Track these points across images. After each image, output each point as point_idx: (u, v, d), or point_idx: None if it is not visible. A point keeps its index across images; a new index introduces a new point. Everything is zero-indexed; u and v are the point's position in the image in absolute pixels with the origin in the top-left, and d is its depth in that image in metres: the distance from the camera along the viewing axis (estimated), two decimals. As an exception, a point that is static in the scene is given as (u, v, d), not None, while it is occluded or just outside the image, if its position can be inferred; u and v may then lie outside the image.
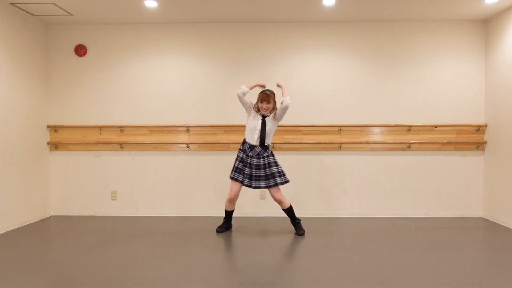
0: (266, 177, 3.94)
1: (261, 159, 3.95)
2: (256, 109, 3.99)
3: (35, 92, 4.85)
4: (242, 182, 3.96)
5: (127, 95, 5.11)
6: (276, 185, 3.94)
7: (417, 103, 5.01)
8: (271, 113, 3.99)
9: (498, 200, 4.71)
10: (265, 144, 3.97)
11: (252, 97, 4.14)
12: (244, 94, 3.94)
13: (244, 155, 3.98)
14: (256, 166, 3.94)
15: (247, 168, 3.96)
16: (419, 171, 5.03)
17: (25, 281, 2.87)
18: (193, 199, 5.12)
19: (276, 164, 4.00)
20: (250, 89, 4.01)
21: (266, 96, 3.91)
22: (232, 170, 4.04)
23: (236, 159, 4.04)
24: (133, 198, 5.14)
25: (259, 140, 3.94)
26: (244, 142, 4.03)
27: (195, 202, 5.11)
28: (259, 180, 3.94)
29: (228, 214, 4.23)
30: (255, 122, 3.95)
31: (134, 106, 5.11)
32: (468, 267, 3.16)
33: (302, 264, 3.24)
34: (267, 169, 3.95)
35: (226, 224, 4.27)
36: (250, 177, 3.95)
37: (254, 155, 3.96)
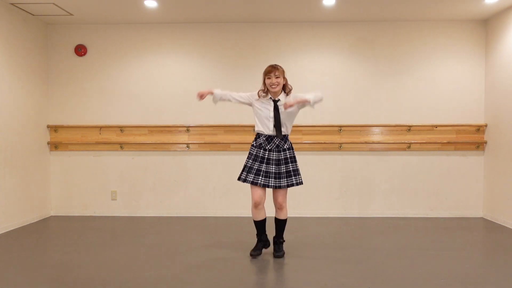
0: (288, 174, 3.28)
1: (282, 153, 3.29)
2: (265, 91, 3.30)
3: (35, 92, 4.85)
4: (257, 183, 3.25)
5: (127, 95, 5.11)
6: (297, 184, 3.32)
7: (417, 103, 5.00)
8: (282, 93, 3.32)
9: (498, 200, 4.71)
10: (283, 134, 3.32)
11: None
12: (216, 101, 3.40)
13: (261, 151, 3.30)
14: (276, 161, 3.28)
15: (263, 165, 3.27)
16: (419, 171, 5.03)
17: (25, 281, 2.87)
18: (193, 199, 5.11)
19: (295, 160, 3.36)
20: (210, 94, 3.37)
21: (274, 68, 3.25)
22: (242, 170, 3.34)
23: (248, 157, 3.35)
24: (133, 198, 5.14)
25: (275, 130, 3.27)
26: (258, 136, 3.34)
27: (195, 202, 5.11)
28: (280, 178, 3.26)
29: (259, 226, 3.41)
30: (267, 109, 3.28)
31: (134, 106, 5.10)
32: (468, 267, 3.16)
33: (302, 264, 3.24)
34: (289, 165, 3.30)
35: (261, 242, 3.46)
36: (268, 174, 3.26)
37: (273, 148, 3.29)
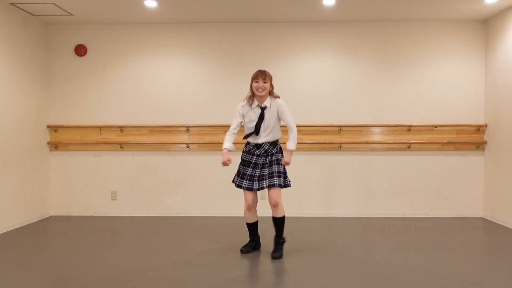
0: (271, 176, 3.36)
1: (268, 157, 3.40)
2: (251, 96, 3.39)
3: (35, 92, 4.85)
4: (251, 188, 3.41)
5: (127, 95, 5.11)
6: (279, 186, 3.35)
7: (417, 103, 5.01)
8: (268, 99, 3.40)
9: (498, 200, 4.71)
10: (272, 140, 3.42)
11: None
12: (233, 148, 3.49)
13: (250, 156, 3.44)
14: (263, 165, 3.41)
15: (250, 169, 3.43)
16: (419, 171, 5.03)
17: (25, 281, 2.87)
18: (193, 199, 5.11)
19: (280, 163, 3.45)
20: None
21: (262, 73, 3.34)
22: (236, 175, 3.51)
23: (240, 163, 3.51)
24: (133, 198, 5.14)
25: (255, 134, 3.38)
26: (248, 142, 3.48)
27: (195, 202, 5.11)
28: (263, 179, 3.37)
29: (251, 228, 3.61)
30: (253, 119, 3.37)
31: (134, 106, 5.10)
32: (468, 267, 3.16)
33: (302, 264, 3.24)
34: (274, 167, 3.38)
35: (253, 241, 3.65)
36: (253, 178, 3.41)
37: (262, 153, 3.41)
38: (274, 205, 3.38)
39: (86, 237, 4.10)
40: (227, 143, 3.44)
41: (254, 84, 3.35)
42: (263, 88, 3.32)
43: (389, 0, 4.30)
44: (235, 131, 3.49)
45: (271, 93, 3.42)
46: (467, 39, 4.97)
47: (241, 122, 3.47)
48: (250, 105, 3.40)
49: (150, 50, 5.09)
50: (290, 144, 3.41)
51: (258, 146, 3.42)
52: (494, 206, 4.80)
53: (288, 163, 3.43)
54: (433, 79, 5.00)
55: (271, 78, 3.39)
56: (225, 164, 3.40)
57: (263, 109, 3.38)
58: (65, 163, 5.15)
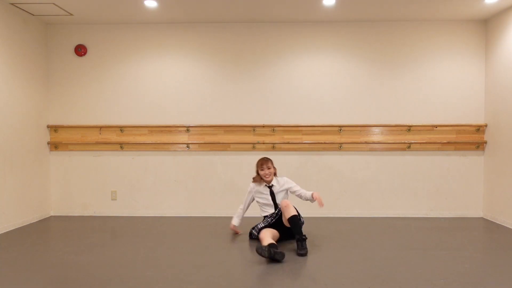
0: None
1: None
2: (259, 179, 3.98)
3: (35, 92, 4.85)
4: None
5: (127, 95, 5.11)
6: None
7: (417, 103, 5.01)
8: (274, 178, 3.99)
9: (498, 200, 4.71)
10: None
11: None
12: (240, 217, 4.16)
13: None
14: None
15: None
16: (419, 171, 5.03)
17: (25, 281, 2.87)
18: (193, 199, 5.11)
19: None
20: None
21: (266, 161, 3.95)
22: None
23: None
24: (133, 198, 5.14)
25: (274, 208, 3.93)
26: (264, 217, 3.99)
27: (195, 202, 5.11)
28: None
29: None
30: (265, 196, 3.95)
31: (134, 106, 5.11)
32: (468, 267, 3.16)
33: (302, 264, 3.24)
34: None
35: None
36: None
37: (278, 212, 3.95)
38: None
39: (86, 237, 4.10)
40: (236, 219, 4.15)
41: (261, 172, 3.93)
42: (269, 173, 3.92)
43: (389, 0, 4.31)
44: (246, 207, 4.13)
45: (275, 174, 4.01)
46: (467, 39, 4.97)
47: (253, 198, 4.07)
48: (259, 185, 3.98)
49: (150, 50, 5.09)
50: (308, 193, 3.96)
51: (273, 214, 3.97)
52: (494, 206, 4.80)
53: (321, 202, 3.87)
54: (433, 79, 5.00)
55: (272, 162, 3.99)
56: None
57: (270, 187, 3.95)
58: (65, 163, 5.15)
